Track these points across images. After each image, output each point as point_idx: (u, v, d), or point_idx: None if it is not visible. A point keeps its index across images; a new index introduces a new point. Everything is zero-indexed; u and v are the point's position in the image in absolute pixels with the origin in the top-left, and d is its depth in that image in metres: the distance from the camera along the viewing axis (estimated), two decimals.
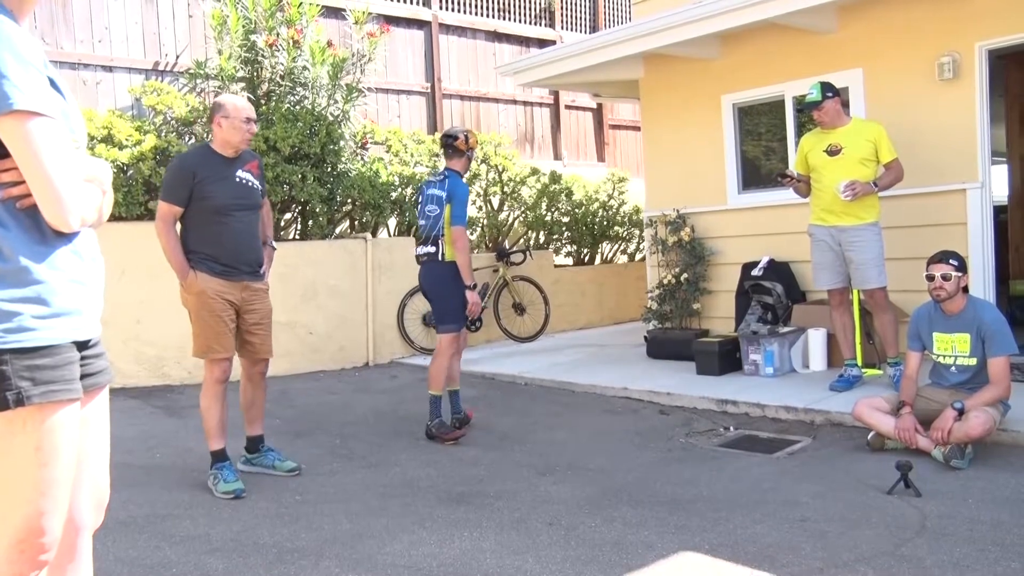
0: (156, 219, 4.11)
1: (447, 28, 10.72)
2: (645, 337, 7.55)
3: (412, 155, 8.64)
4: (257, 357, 4.36)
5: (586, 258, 10.35)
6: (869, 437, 4.42)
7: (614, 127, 12.54)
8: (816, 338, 6.22)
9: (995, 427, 4.11)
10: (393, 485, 4.19)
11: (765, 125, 7.30)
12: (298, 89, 7.80)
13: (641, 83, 8.09)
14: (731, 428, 5.08)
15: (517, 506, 3.78)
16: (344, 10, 8.64)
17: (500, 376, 6.96)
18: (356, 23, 8.29)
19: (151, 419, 5.73)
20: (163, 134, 7.03)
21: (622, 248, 10.75)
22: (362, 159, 8.23)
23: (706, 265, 7.44)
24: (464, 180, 5.22)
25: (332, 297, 7.61)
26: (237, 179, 4.17)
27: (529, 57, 8.65)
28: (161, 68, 8.38)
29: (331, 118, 7.80)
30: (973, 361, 4.27)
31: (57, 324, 1.67)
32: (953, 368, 4.36)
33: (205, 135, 7.37)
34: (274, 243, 4.59)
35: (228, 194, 4.12)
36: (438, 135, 9.18)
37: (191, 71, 7.91)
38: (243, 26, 7.70)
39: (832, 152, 5.41)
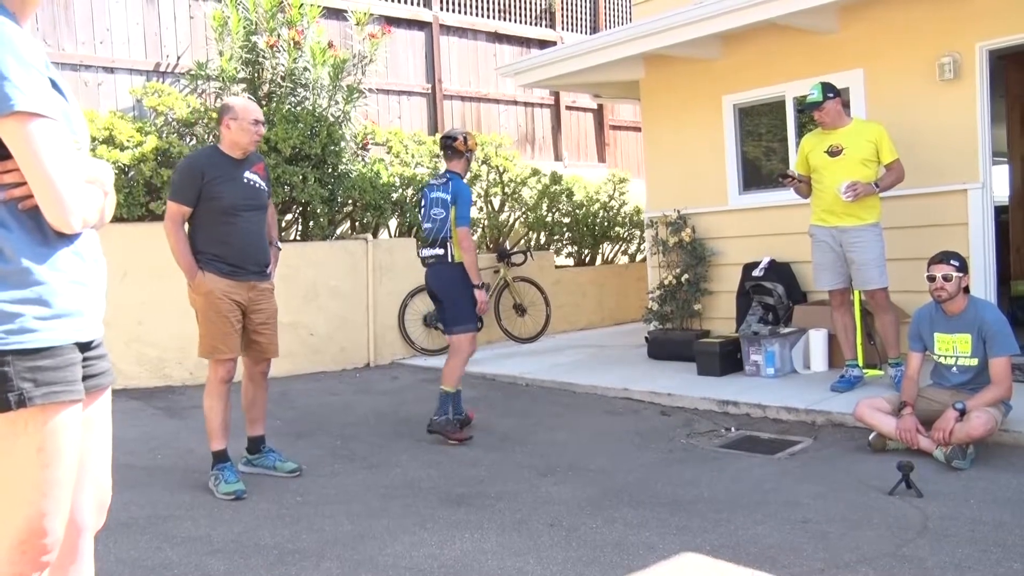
0: (165, 219, 4.15)
1: (448, 29, 10.73)
2: (646, 338, 7.55)
3: (413, 156, 8.64)
4: (263, 356, 4.38)
5: (587, 259, 10.35)
6: (870, 438, 4.42)
7: (615, 128, 12.54)
8: (817, 339, 6.22)
9: (997, 427, 4.10)
10: (394, 486, 4.19)
11: (766, 126, 7.30)
12: (299, 90, 7.80)
13: (642, 84, 8.09)
14: (732, 429, 5.08)
15: (518, 507, 3.78)
16: (345, 11, 8.65)
17: (501, 377, 6.96)
18: (357, 24, 8.30)
19: (153, 420, 5.74)
20: (164, 135, 7.03)
21: (623, 249, 10.75)
22: (363, 160, 8.24)
23: (707, 266, 7.44)
24: (464, 181, 5.24)
25: (333, 298, 7.61)
26: (245, 180, 4.21)
27: (530, 58, 8.65)
28: (162, 69, 8.39)
29: (332, 119, 7.81)
30: (974, 361, 4.27)
31: (59, 325, 1.67)
32: (954, 368, 4.36)
33: (206, 136, 7.38)
34: (279, 243, 4.62)
35: (237, 195, 4.15)
36: (439, 136, 9.17)
37: (192, 72, 7.92)
38: (244, 27, 7.71)
39: (833, 153, 5.41)
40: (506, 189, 9.29)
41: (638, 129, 10.71)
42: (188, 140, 7.33)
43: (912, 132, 5.95)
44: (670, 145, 7.87)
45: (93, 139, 6.51)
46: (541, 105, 11.66)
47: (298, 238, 7.86)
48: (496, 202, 9.38)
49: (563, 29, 12.01)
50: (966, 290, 4.36)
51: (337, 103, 7.95)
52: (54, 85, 1.70)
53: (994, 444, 4.26)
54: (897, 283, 5.63)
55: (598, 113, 12.31)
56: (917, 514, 3.46)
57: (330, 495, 4.07)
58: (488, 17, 11.20)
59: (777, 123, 7.11)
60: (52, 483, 1.67)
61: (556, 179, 9.62)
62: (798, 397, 5.40)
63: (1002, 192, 7.91)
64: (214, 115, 7.32)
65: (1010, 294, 7.61)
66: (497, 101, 11.17)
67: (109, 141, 6.62)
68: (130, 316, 6.60)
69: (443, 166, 8.71)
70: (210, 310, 4.10)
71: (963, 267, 4.32)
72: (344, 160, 7.84)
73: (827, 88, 5.42)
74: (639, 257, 10.69)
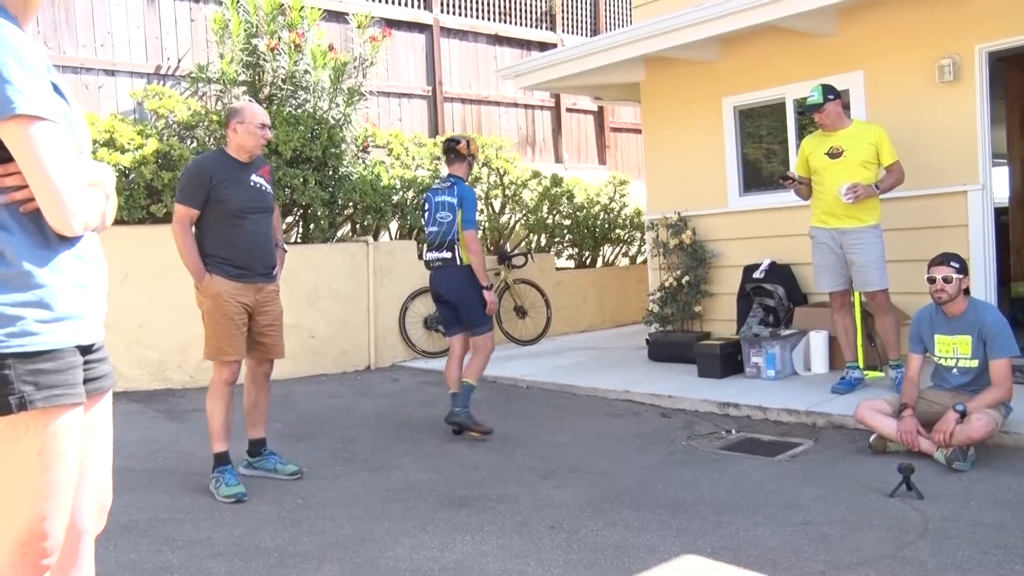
0: (173, 222, 4.18)
1: (448, 31, 10.74)
2: (647, 340, 7.55)
3: (413, 158, 8.65)
4: (268, 357, 4.40)
5: (587, 261, 10.36)
6: (871, 440, 4.42)
7: (615, 130, 12.55)
8: (818, 340, 6.22)
9: (997, 429, 4.10)
10: (395, 489, 4.19)
11: (766, 128, 7.31)
12: (299, 93, 7.81)
13: (642, 86, 8.10)
14: (733, 431, 5.08)
15: (519, 510, 3.78)
16: (346, 14, 8.66)
17: (501, 379, 6.96)
18: (358, 27, 8.31)
19: (153, 423, 5.74)
20: (165, 138, 7.04)
21: (623, 251, 10.76)
22: (363, 163, 8.25)
23: (707, 268, 7.44)
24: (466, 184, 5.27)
25: (334, 300, 7.61)
26: (252, 183, 4.25)
27: (530, 60, 8.66)
28: (163, 72, 8.40)
29: (332, 122, 7.82)
30: (975, 363, 4.27)
31: (60, 328, 1.67)
32: (955, 370, 4.36)
33: (207, 139, 7.39)
34: (285, 245, 4.64)
35: (244, 197, 4.19)
36: (439, 138, 9.22)
37: (193, 75, 7.93)
38: (245, 30, 7.72)
39: (833, 155, 5.42)
40: (507, 191, 9.30)
41: (639, 131, 10.71)
42: (189, 143, 7.34)
43: (912, 134, 5.95)
44: (671, 147, 7.87)
45: (94, 142, 6.52)
46: (542, 107, 11.67)
47: (299, 240, 7.86)
48: (497, 204, 9.39)
49: (564, 31, 12.02)
50: (966, 292, 4.37)
51: (338, 106, 7.96)
52: (55, 88, 1.70)
53: (995, 446, 4.26)
54: (897, 285, 5.63)
55: (598, 115, 12.31)
56: (918, 516, 3.46)
57: (331, 498, 4.07)
58: (489, 19, 11.21)
59: (777, 125, 7.12)
60: (53, 486, 1.67)
61: (557, 181, 9.62)
62: (799, 399, 5.40)
63: (1002, 194, 7.90)
64: (215, 118, 7.33)
65: (1010, 296, 7.60)
66: (498, 103, 11.17)
67: (110, 144, 6.62)
68: (131, 319, 6.61)
69: (443, 168, 8.76)
70: (217, 312, 4.13)
71: (963, 269, 4.32)
72: (345, 163, 7.85)
73: (827, 90, 5.42)
74: (640, 259, 10.69)
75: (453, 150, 5.28)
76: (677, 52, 6.99)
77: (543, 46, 11.34)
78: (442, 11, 10.69)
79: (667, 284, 7.58)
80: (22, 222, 1.66)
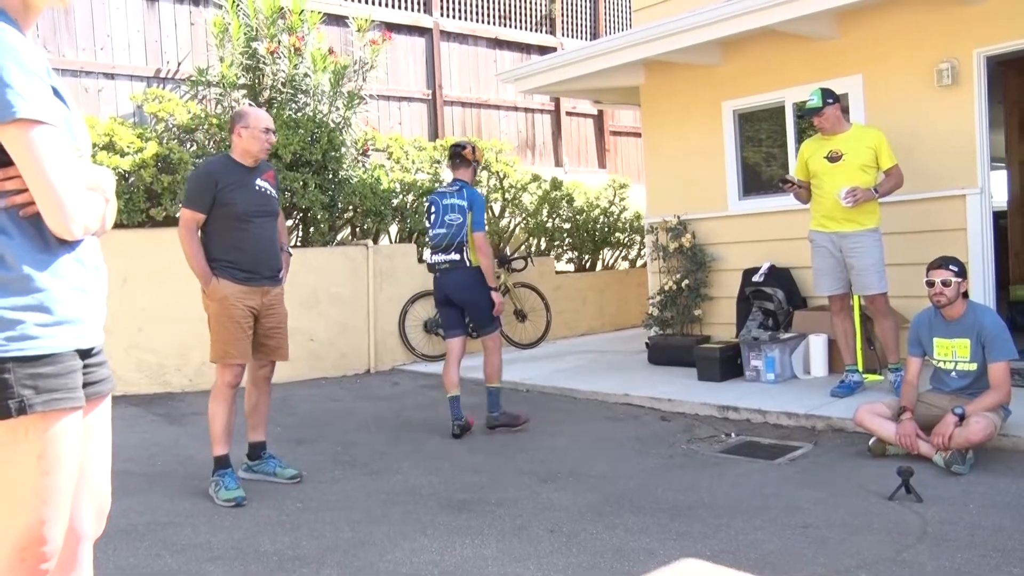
0: (179, 226, 4.20)
1: (448, 35, 10.75)
2: (646, 343, 7.55)
3: (413, 162, 8.66)
4: (273, 359, 4.43)
5: (587, 264, 10.36)
6: (870, 443, 4.42)
7: (615, 133, 12.56)
8: (817, 344, 6.22)
9: (996, 432, 4.11)
10: (395, 492, 4.19)
11: (765, 131, 7.31)
12: (299, 96, 7.83)
13: (642, 89, 8.11)
14: (732, 434, 5.08)
15: (518, 513, 3.78)
16: (346, 17, 8.68)
17: (501, 383, 6.94)
18: (358, 30, 8.32)
19: (152, 427, 5.74)
20: (165, 141, 7.05)
21: (623, 254, 10.77)
22: (363, 166, 8.26)
23: (707, 271, 7.45)
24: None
25: (333, 304, 7.62)
26: (257, 187, 4.28)
27: (530, 64, 8.67)
28: (163, 75, 8.41)
29: (332, 125, 7.83)
30: (973, 366, 4.28)
31: (60, 332, 1.67)
32: (954, 373, 4.36)
33: (207, 142, 7.40)
34: (290, 249, 4.67)
35: (249, 201, 4.22)
36: (439, 142, 9.23)
37: (193, 78, 7.95)
38: (244, 33, 7.74)
39: (833, 158, 5.42)
40: (506, 195, 9.30)
41: (638, 135, 10.72)
42: (188, 146, 7.35)
43: (911, 137, 5.96)
44: (670, 151, 7.88)
45: (93, 145, 6.52)
46: (541, 111, 11.68)
47: (299, 244, 7.87)
48: (496, 208, 9.40)
49: (563, 35, 12.03)
50: (965, 295, 4.37)
51: (338, 109, 7.97)
52: (56, 92, 1.70)
53: (993, 449, 4.26)
54: (897, 288, 5.63)
55: (598, 119, 12.32)
56: (917, 519, 3.46)
57: (330, 501, 4.07)
58: (488, 23, 11.23)
59: (777, 129, 7.12)
60: (52, 490, 1.67)
61: (556, 185, 9.63)
62: (798, 402, 5.40)
63: (1000, 197, 7.92)
64: (215, 121, 7.34)
65: (1009, 299, 7.61)
66: (497, 107, 11.19)
67: (109, 147, 6.63)
68: (130, 322, 6.61)
69: (442, 171, 8.78)
70: (224, 315, 4.15)
71: (962, 272, 4.33)
72: (345, 166, 7.86)
73: (827, 94, 5.43)
74: (639, 263, 10.69)
75: (459, 155, 5.40)
76: (677, 56, 7.00)
77: (543, 50, 11.35)
78: (442, 15, 10.71)
79: (667, 288, 7.58)
80: (22, 226, 1.66)
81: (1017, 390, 4.53)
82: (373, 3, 9.98)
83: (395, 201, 8.23)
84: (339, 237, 8.21)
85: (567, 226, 9.78)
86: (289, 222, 7.75)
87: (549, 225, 9.61)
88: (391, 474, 4.52)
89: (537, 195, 9.46)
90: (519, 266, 8.76)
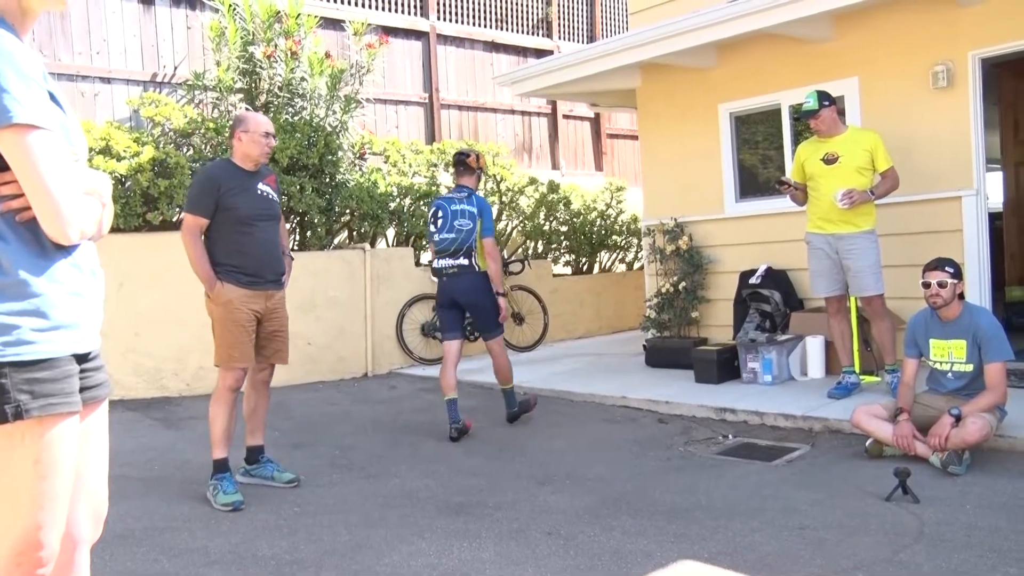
0: (182, 231, 4.21)
1: (445, 39, 10.76)
2: (644, 346, 7.56)
3: (410, 165, 8.66)
4: (273, 363, 4.45)
5: (584, 267, 10.37)
6: (867, 444, 4.42)
7: (612, 136, 12.57)
8: (814, 346, 6.23)
9: (992, 433, 4.11)
10: (392, 496, 4.19)
11: (762, 134, 7.33)
12: (296, 100, 7.83)
13: (638, 92, 8.12)
14: (730, 436, 5.09)
15: (516, 516, 3.79)
16: (343, 21, 8.68)
17: (498, 386, 6.94)
18: (355, 34, 8.33)
19: (149, 431, 5.73)
20: (161, 145, 7.04)
21: (620, 257, 10.77)
22: (360, 170, 8.25)
23: (704, 273, 7.46)
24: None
25: (330, 308, 7.61)
26: (259, 191, 4.31)
27: (527, 67, 8.68)
28: (159, 80, 8.41)
29: (329, 129, 7.83)
30: (969, 367, 4.29)
31: (56, 337, 1.68)
32: (950, 374, 4.37)
33: (203, 146, 7.40)
34: (291, 253, 4.68)
35: (252, 205, 4.24)
36: (436, 146, 9.24)
37: (189, 82, 7.95)
38: (241, 38, 7.74)
39: (829, 161, 5.44)
40: (503, 198, 9.31)
41: (635, 138, 10.72)
42: (185, 150, 7.35)
43: (907, 139, 5.98)
44: (667, 153, 7.89)
45: (90, 149, 6.51)
46: (538, 114, 11.69)
47: (296, 248, 7.86)
48: (493, 211, 9.38)
49: (560, 38, 12.05)
50: (961, 296, 4.39)
51: (334, 113, 7.97)
52: (53, 98, 1.71)
53: (989, 449, 4.27)
54: (893, 290, 5.65)
55: (595, 122, 12.34)
56: (913, 520, 3.46)
57: (328, 505, 4.07)
58: (485, 27, 11.24)
59: (773, 131, 7.14)
60: (49, 495, 1.67)
61: (553, 188, 9.64)
62: (795, 404, 5.41)
63: (996, 199, 7.93)
64: (211, 125, 7.34)
65: (1004, 300, 7.62)
66: (494, 110, 11.20)
67: (106, 151, 6.62)
68: (127, 327, 6.60)
69: (439, 175, 8.79)
70: (228, 319, 4.17)
71: (958, 273, 4.34)
72: (341, 170, 7.86)
73: (823, 96, 5.45)
74: (636, 265, 10.70)
75: (463, 163, 5.53)
76: (673, 59, 7.02)
77: (539, 53, 11.36)
78: (439, 18, 10.72)
79: (664, 290, 7.59)
80: (18, 231, 1.67)
81: (1013, 391, 4.53)
82: (370, 7, 9.99)
83: (392, 205, 8.23)
84: (336, 241, 8.21)
85: (564, 229, 9.79)
86: (286, 226, 7.74)
87: (546, 228, 9.62)
88: (388, 478, 4.52)
89: (534, 198, 9.46)
90: (516, 269, 8.76)
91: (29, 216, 1.66)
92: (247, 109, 7.70)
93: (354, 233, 8.29)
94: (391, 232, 8.60)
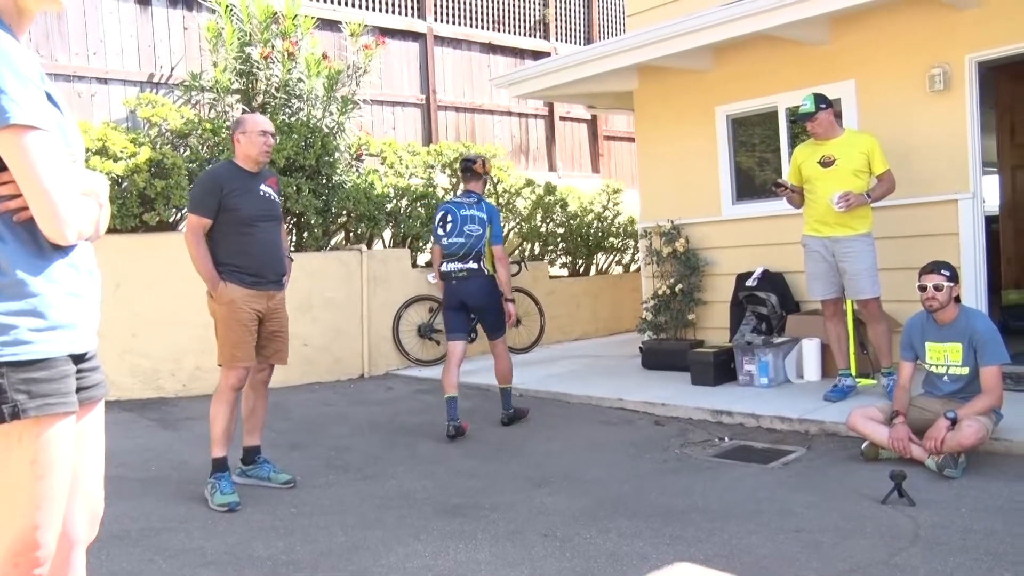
0: (186, 232, 4.26)
1: (442, 40, 10.76)
2: (640, 348, 7.56)
3: (407, 167, 8.66)
4: (273, 363, 4.48)
5: (581, 269, 10.37)
6: (863, 447, 4.43)
7: (608, 138, 12.58)
8: (810, 348, 6.24)
9: (988, 436, 4.12)
10: (389, 497, 4.18)
11: (759, 136, 7.34)
12: (293, 101, 7.82)
13: (635, 94, 8.13)
14: (726, 438, 5.09)
15: (512, 518, 3.79)
16: (339, 23, 8.69)
17: (495, 387, 6.93)
18: (352, 35, 8.33)
19: (146, 432, 5.72)
20: (158, 146, 7.03)
21: (617, 259, 10.78)
22: (357, 171, 8.25)
23: (700, 276, 7.46)
24: None
25: (327, 309, 7.61)
26: (261, 192, 4.34)
27: (524, 69, 8.69)
28: (156, 80, 8.40)
29: (326, 130, 7.83)
30: (965, 370, 4.30)
31: (53, 337, 1.68)
32: (946, 377, 4.38)
33: (200, 147, 7.39)
34: (291, 255, 4.69)
35: (253, 206, 4.27)
36: (433, 147, 9.24)
37: (186, 83, 7.94)
38: (238, 38, 7.74)
39: (826, 163, 5.44)
40: (500, 200, 9.30)
41: (632, 140, 10.75)
42: (182, 151, 7.34)
43: (903, 142, 5.99)
44: (664, 155, 7.90)
45: (87, 150, 6.48)
46: (535, 116, 11.70)
47: (292, 249, 7.86)
48: None
49: (557, 40, 12.06)
50: (957, 299, 4.39)
51: (331, 114, 7.97)
52: (50, 98, 1.71)
53: (985, 453, 4.28)
54: (889, 293, 5.66)
55: (592, 124, 12.35)
56: (909, 523, 3.47)
57: (324, 506, 4.07)
58: (482, 28, 11.25)
59: (770, 134, 7.15)
60: (45, 496, 1.67)
61: (550, 190, 9.65)
62: (791, 407, 5.41)
63: (992, 202, 7.95)
64: (208, 126, 7.33)
65: (1001, 303, 7.64)
66: (491, 112, 11.20)
67: (103, 152, 6.61)
68: (124, 327, 6.59)
69: (436, 176, 8.80)
70: (231, 319, 4.19)
71: (954, 277, 4.35)
72: (338, 171, 7.86)
73: (819, 99, 5.46)
74: (633, 267, 10.70)
75: (470, 169, 5.62)
76: (670, 61, 7.03)
77: (537, 55, 11.38)
78: (436, 20, 10.72)
79: (660, 292, 7.60)
80: (16, 231, 1.67)
81: (1009, 394, 4.55)
82: (367, 8, 10.00)
83: (389, 206, 8.23)
84: (333, 242, 8.21)
85: (561, 231, 9.79)
86: (284, 227, 7.75)
87: (543, 230, 9.62)
88: (385, 479, 4.52)
89: (531, 200, 9.47)
90: (513, 271, 8.76)
91: (27, 216, 1.66)
92: (244, 110, 7.70)
93: (351, 234, 8.29)
94: (388, 233, 8.60)
